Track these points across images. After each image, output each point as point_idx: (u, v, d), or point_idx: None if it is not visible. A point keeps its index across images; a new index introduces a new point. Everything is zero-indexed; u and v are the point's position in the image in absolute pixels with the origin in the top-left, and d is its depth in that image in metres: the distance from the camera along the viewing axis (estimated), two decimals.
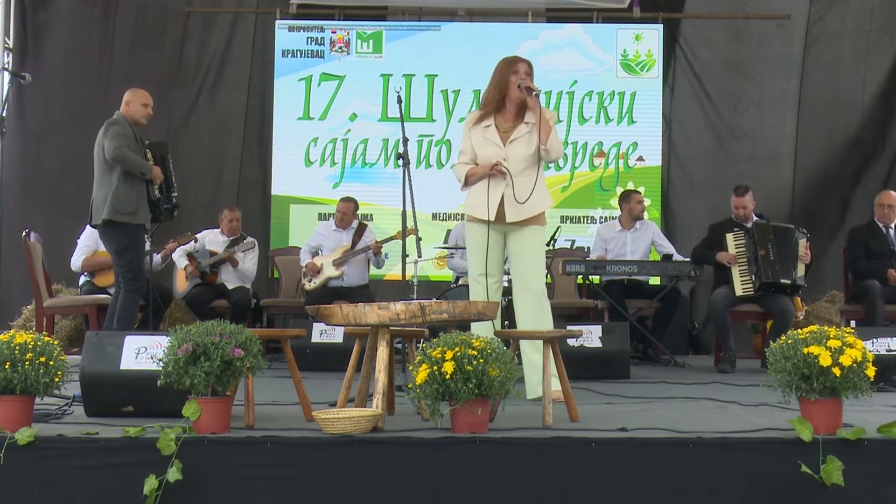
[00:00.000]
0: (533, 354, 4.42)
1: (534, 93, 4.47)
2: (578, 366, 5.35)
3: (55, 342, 3.32)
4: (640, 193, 7.80)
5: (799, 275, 6.64)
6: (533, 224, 4.60)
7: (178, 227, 7.82)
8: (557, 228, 7.99)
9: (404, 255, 5.39)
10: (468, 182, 4.63)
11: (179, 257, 7.62)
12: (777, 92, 9.10)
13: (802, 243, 6.69)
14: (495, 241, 4.61)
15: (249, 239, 7.85)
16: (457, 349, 3.10)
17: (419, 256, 5.99)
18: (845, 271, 7.23)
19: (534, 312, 4.51)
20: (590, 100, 9.01)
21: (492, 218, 4.53)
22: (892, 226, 6.94)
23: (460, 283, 7.19)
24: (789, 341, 3.16)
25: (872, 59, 8.96)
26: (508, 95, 4.56)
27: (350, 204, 7.74)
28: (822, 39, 9.04)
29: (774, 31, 9.12)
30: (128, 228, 5.75)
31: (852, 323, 6.67)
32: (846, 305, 7.07)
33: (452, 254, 7.62)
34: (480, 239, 4.56)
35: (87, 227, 6.91)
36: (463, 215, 8.37)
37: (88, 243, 7.14)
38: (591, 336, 5.84)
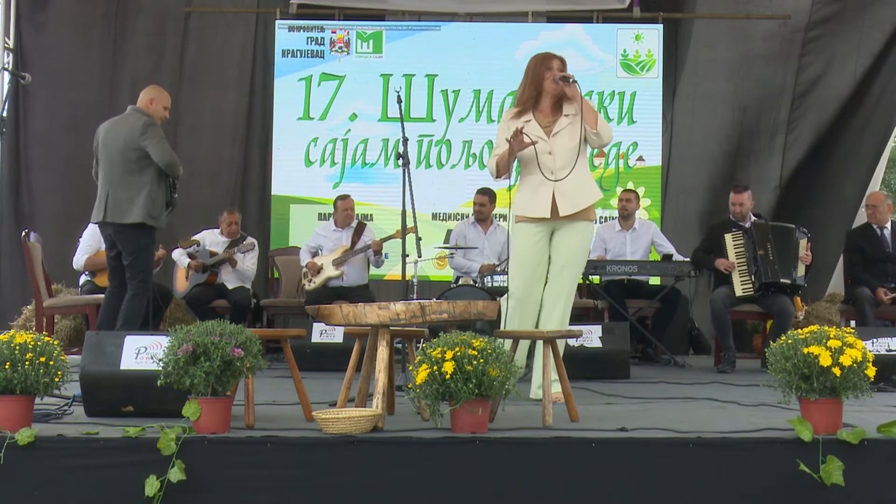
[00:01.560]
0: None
1: (570, 80, 4.43)
2: (578, 366, 5.34)
3: (55, 342, 3.32)
4: (630, 192, 7.79)
5: (799, 275, 6.64)
6: (583, 219, 4.54)
7: (178, 226, 7.82)
8: None
9: (404, 255, 5.38)
10: (499, 167, 4.52)
11: (180, 256, 7.62)
12: (775, 89, 9.12)
13: (803, 244, 6.69)
14: (543, 245, 4.54)
15: (249, 239, 7.84)
16: (457, 349, 3.10)
17: (419, 256, 5.99)
18: (845, 272, 7.23)
19: (561, 318, 4.49)
20: (590, 100, 8.99)
21: (547, 214, 4.47)
22: (888, 227, 6.94)
23: (460, 283, 7.19)
24: (789, 341, 3.16)
25: (863, 55, 8.97)
26: (544, 91, 4.53)
27: (349, 200, 7.74)
28: (819, 37, 9.05)
29: (775, 29, 9.12)
30: (151, 231, 5.70)
31: (852, 323, 6.67)
32: (845, 306, 7.07)
33: (452, 254, 7.62)
34: (527, 247, 4.48)
35: (90, 225, 6.88)
36: (463, 215, 8.41)
37: (91, 242, 7.11)
38: (591, 336, 5.84)
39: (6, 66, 8.66)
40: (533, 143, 4.40)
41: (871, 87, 8.95)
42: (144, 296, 5.78)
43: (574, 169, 4.46)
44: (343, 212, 7.69)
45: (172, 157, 5.66)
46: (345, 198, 7.77)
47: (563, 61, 4.56)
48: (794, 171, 9.08)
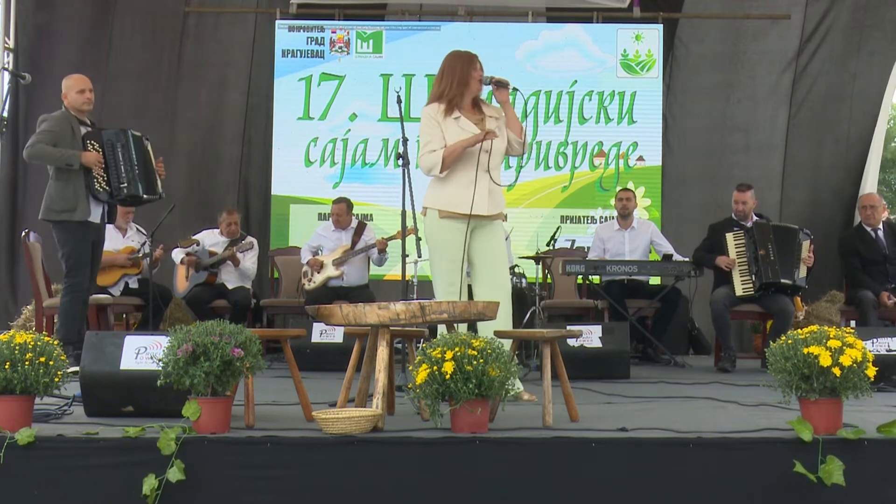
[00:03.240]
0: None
1: (507, 85, 4.52)
2: (578, 366, 5.35)
3: (55, 342, 3.32)
4: (628, 191, 7.78)
5: (800, 276, 6.64)
6: (498, 218, 4.63)
7: (178, 226, 7.83)
8: (557, 228, 8.00)
9: (404, 255, 5.38)
10: (445, 163, 4.48)
11: (178, 253, 7.63)
12: (771, 85, 9.12)
13: (806, 245, 6.68)
14: (463, 242, 4.51)
15: (249, 239, 7.84)
16: (457, 349, 3.10)
17: (419, 256, 5.98)
18: (845, 275, 7.23)
19: (506, 311, 4.42)
20: (590, 100, 9.01)
21: (484, 211, 4.49)
22: (881, 228, 6.95)
23: None
24: (789, 341, 3.16)
25: (864, 54, 8.99)
26: (468, 90, 4.57)
27: (342, 205, 7.71)
28: (817, 35, 9.07)
29: (770, 26, 9.14)
30: (66, 226, 5.56)
31: (852, 323, 6.68)
32: (846, 306, 7.07)
33: None
34: (455, 243, 4.47)
35: None
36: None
37: None
38: (591, 336, 5.84)
39: (6, 66, 8.67)
40: (494, 138, 4.50)
41: (875, 88, 8.97)
42: (72, 292, 5.59)
43: (498, 170, 4.58)
44: (334, 216, 7.68)
45: (30, 149, 5.52)
46: (338, 202, 7.74)
47: (481, 63, 4.61)
48: (797, 171, 9.08)
